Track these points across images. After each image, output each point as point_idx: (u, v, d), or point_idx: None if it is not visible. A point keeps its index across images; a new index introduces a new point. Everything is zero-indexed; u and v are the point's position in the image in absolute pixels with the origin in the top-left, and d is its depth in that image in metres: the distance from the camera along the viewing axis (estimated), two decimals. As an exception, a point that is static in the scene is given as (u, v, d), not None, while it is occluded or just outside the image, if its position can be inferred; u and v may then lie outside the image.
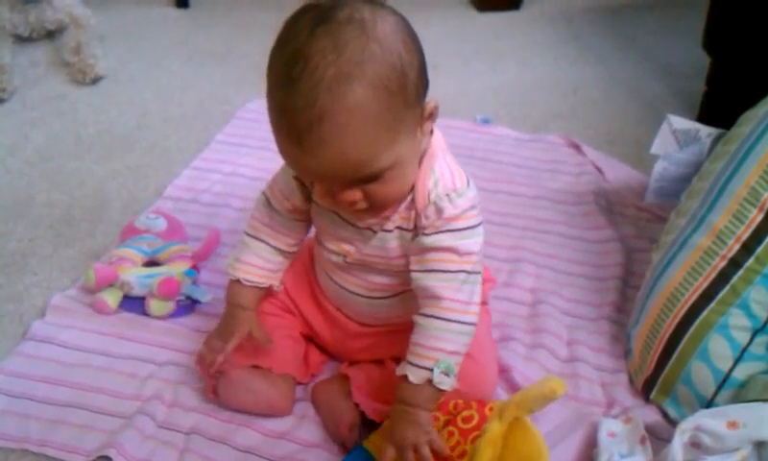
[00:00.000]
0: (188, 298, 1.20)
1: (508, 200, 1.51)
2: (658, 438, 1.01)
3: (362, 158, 0.80)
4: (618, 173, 1.59)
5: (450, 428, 0.92)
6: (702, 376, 1.02)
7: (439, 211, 0.89)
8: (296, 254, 1.08)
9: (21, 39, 2.00)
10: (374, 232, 0.94)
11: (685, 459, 0.90)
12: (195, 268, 1.23)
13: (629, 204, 1.49)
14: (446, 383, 0.89)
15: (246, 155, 1.61)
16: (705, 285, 1.03)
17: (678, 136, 1.24)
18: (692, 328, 1.03)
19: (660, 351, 1.06)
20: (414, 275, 0.92)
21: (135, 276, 1.19)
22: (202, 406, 1.05)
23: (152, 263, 1.24)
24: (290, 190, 0.99)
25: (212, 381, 1.03)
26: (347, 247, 0.97)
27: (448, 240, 0.90)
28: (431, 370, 0.89)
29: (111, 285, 1.19)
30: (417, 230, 0.91)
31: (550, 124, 1.78)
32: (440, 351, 0.90)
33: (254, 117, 1.73)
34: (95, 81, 1.88)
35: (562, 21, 2.33)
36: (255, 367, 1.04)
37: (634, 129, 1.75)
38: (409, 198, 0.90)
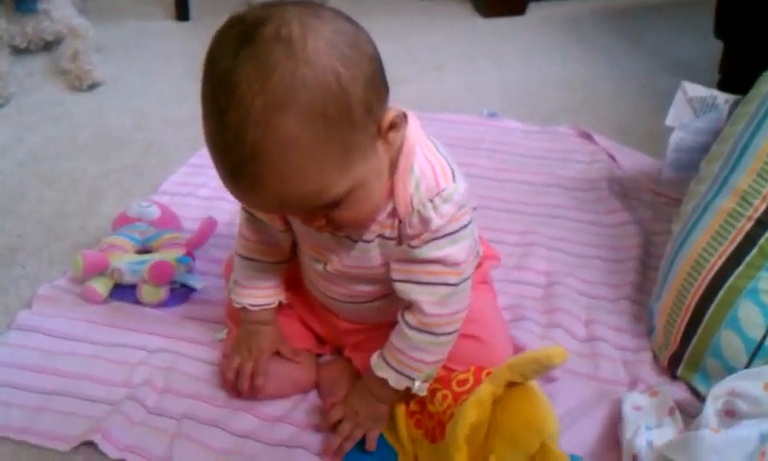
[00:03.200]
0: (182, 286, 1.14)
1: (518, 188, 1.45)
2: (687, 416, 0.93)
3: (309, 192, 0.71)
4: (632, 160, 1.53)
5: (444, 392, 0.87)
6: (732, 346, 0.94)
7: (424, 222, 0.80)
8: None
9: (18, 51, 1.97)
10: (354, 242, 0.86)
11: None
12: (189, 255, 1.17)
13: (645, 189, 1.43)
14: (424, 389, 0.88)
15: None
16: (731, 249, 0.97)
17: (694, 105, 1.18)
18: (719, 296, 0.96)
19: (685, 323, 0.99)
20: (396, 284, 0.85)
21: (126, 262, 1.13)
22: (195, 392, 0.99)
23: (144, 252, 1.18)
24: None
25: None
26: (328, 254, 0.89)
27: (435, 251, 0.81)
28: (412, 379, 0.87)
29: (102, 274, 1.13)
30: (401, 239, 0.83)
31: (559, 118, 1.72)
32: (423, 363, 0.87)
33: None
34: (92, 87, 1.84)
35: (568, 24, 2.29)
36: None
37: (646, 120, 1.69)
38: (389, 206, 0.82)
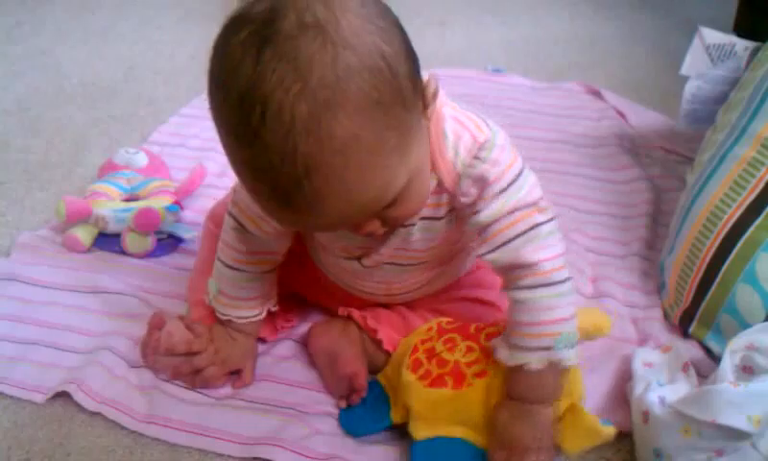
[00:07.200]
0: (169, 236, 1.09)
1: (523, 144, 1.34)
2: (700, 376, 0.87)
3: (375, 194, 0.62)
4: (642, 117, 1.48)
5: (469, 343, 0.80)
6: (749, 302, 0.89)
7: (479, 181, 0.72)
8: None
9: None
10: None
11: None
12: (177, 204, 1.11)
13: (655, 146, 1.37)
14: (571, 357, 0.74)
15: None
16: (750, 199, 0.91)
17: (711, 52, 1.12)
18: (737, 248, 0.90)
19: (699, 278, 0.94)
20: (488, 257, 0.75)
21: (111, 209, 1.07)
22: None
23: (131, 201, 1.13)
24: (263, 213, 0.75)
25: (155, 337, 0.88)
26: (362, 250, 0.81)
27: (505, 204, 0.72)
28: (552, 348, 0.73)
29: (85, 221, 1.07)
30: (457, 211, 0.75)
31: (567, 75, 1.66)
32: (556, 323, 0.74)
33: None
34: None
35: (576, -17, 2.22)
36: None
37: (657, 79, 1.64)
38: (433, 183, 0.73)
